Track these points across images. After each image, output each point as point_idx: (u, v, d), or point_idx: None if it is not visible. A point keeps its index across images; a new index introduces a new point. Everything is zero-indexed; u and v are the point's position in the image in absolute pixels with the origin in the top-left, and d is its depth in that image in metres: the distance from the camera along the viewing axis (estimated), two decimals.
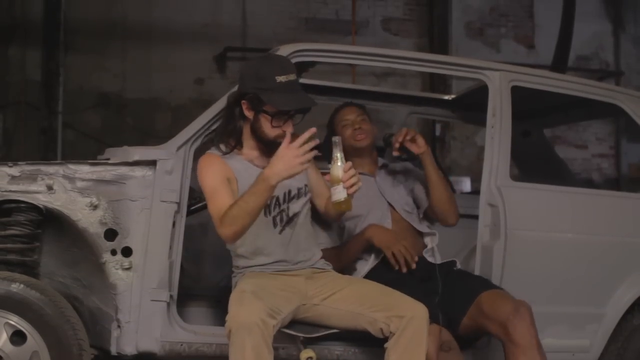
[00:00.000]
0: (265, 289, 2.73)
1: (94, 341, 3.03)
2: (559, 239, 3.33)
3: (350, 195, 2.74)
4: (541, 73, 3.59)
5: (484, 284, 3.06)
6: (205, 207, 3.29)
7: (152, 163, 3.00)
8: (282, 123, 2.83)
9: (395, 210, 3.33)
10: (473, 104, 4.28)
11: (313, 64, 3.47)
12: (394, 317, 2.68)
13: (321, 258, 3.06)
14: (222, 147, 2.93)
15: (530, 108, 4.11)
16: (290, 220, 2.96)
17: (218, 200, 2.78)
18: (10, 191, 2.95)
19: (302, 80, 4.07)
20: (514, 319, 2.82)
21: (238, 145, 2.94)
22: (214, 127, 3.08)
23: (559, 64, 8.32)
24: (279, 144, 2.68)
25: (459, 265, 3.28)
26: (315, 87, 4.22)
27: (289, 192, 2.96)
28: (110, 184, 2.98)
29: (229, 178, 2.87)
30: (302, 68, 3.68)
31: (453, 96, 4.53)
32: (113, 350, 2.97)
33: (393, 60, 3.40)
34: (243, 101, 2.86)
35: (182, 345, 2.99)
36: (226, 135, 2.94)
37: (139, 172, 3.00)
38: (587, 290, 3.37)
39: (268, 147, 2.86)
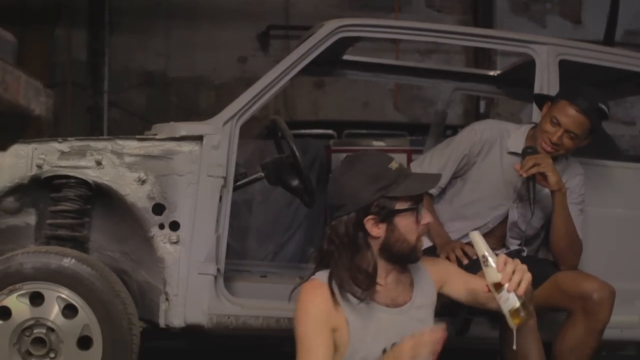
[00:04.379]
0: None
1: (143, 314, 3.08)
2: (607, 214, 3.29)
3: (523, 297, 2.01)
4: (590, 46, 3.53)
5: (557, 266, 2.99)
6: (251, 182, 3.32)
7: (198, 138, 3.02)
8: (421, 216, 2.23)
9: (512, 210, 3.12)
10: (519, 80, 4.23)
11: (358, 39, 3.46)
12: None
13: None
14: (349, 295, 2.17)
15: None
16: None
17: None
18: (60, 166, 3.01)
19: (345, 57, 4.09)
20: (600, 295, 2.78)
21: (372, 286, 2.19)
22: (259, 103, 3.10)
23: (608, 39, 8.18)
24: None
25: (525, 253, 3.15)
26: (359, 63, 4.21)
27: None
28: (157, 159, 3.01)
29: (335, 328, 2.17)
30: (347, 44, 3.67)
31: (498, 72, 4.49)
32: (161, 322, 3.01)
33: (438, 34, 3.37)
34: (368, 219, 2.16)
35: (229, 317, 3.02)
36: (354, 277, 2.18)
37: (186, 147, 3.03)
38: (636, 266, 3.33)
39: (402, 262, 2.25)
